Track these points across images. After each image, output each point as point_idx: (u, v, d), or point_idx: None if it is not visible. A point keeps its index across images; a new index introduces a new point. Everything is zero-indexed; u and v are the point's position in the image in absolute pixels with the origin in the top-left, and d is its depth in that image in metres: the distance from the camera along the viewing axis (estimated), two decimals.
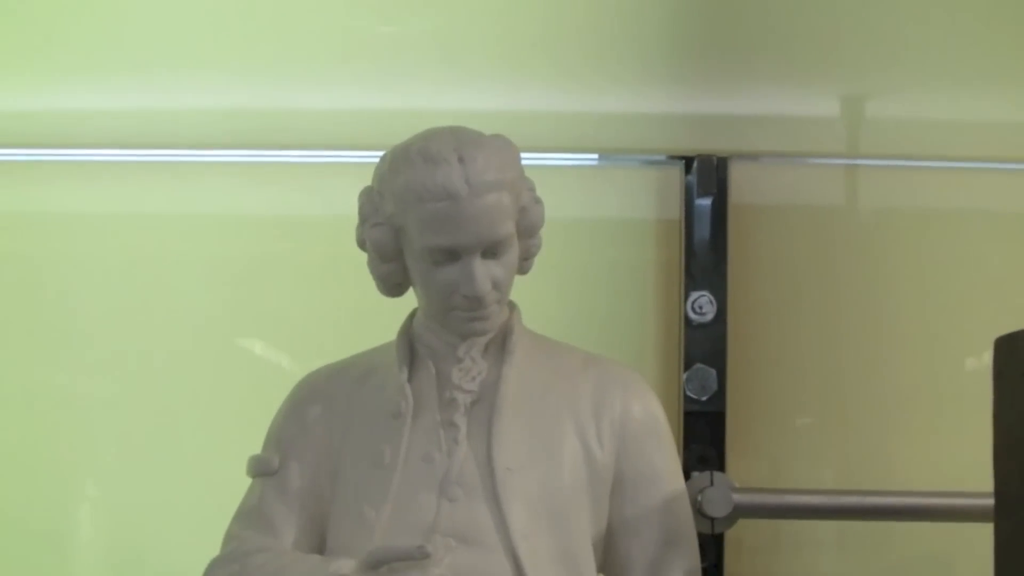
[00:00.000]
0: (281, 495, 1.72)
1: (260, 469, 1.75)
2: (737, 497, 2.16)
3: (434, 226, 1.60)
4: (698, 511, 2.03)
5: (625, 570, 1.72)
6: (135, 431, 2.49)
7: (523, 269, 1.74)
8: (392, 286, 1.73)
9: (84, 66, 2.54)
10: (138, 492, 2.49)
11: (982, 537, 1.73)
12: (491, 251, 1.63)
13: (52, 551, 2.51)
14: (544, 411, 1.69)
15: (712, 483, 2.17)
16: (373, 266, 1.71)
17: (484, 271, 1.63)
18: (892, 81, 2.51)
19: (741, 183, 2.45)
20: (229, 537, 1.74)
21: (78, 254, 2.56)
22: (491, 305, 1.67)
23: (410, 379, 1.70)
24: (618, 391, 1.74)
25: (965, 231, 2.46)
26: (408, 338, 1.75)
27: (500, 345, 1.72)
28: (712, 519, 2.17)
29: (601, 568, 1.74)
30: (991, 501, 1.53)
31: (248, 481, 1.78)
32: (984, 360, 2.21)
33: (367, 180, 1.71)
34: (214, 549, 2.23)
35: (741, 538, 2.34)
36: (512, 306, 1.76)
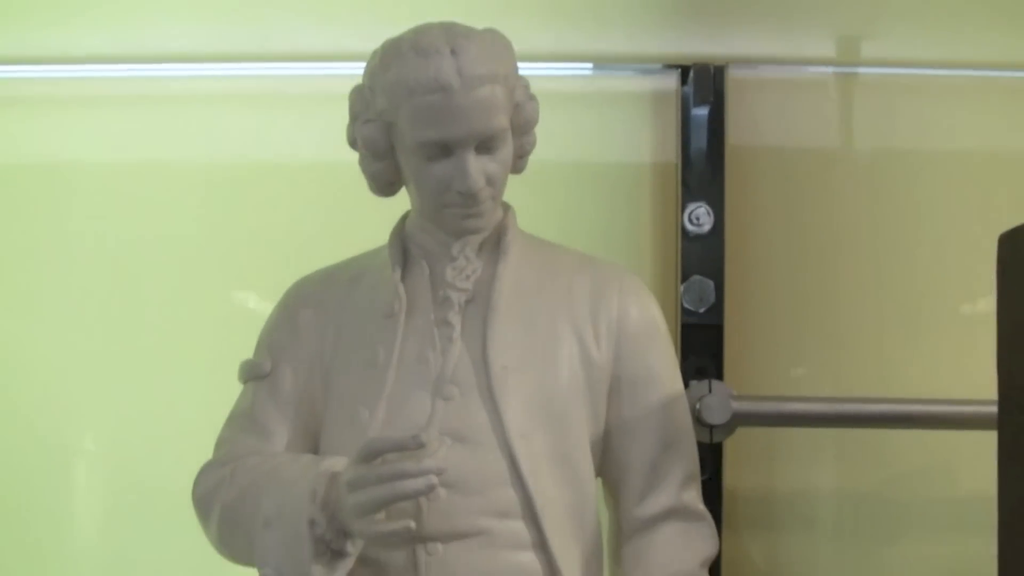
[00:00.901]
0: (273, 399, 1.70)
1: (251, 373, 1.73)
2: (736, 405, 2.14)
3: (426, 120, 1.57)
4: (697, 420, 2.01)
5: (623, 472, 1.70)
6: (132, 386, 2.48)
7: (517, 168, 1.71)
8: (384, 185, 1.70)
9: None
10: (136, 446, 2.48)
11: (984, 447, 1.72)
12: (485, 146, 1.60)
13: (51, 506, 2.50)
14: (540, 311, 1.67)
15: (711, 391, 2.14)
16: (365, 164, 1.68)
17: (478, 166, 1.60)
18: None
19: (738, 92, 2.41)
20: (221, 442, 1.72)
21: (71, 202, 2.53)
22: (485, 202, 1.64)
23: (403, 279, 1.68)
24: (615, 292, 1.71)
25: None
26: (401, 239, 1.72)
27: (495, 244, 1.69)
28: (711, 428, 2.15)
29: (599, 471, 1.72)
30: (994, 408, 1.51)
31: None
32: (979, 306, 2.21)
33: None
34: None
35: (740, 449, 2.32)
36: (507, 207, 1.74)
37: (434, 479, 1.42)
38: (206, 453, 2.26)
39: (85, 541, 2.51)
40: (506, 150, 1.63)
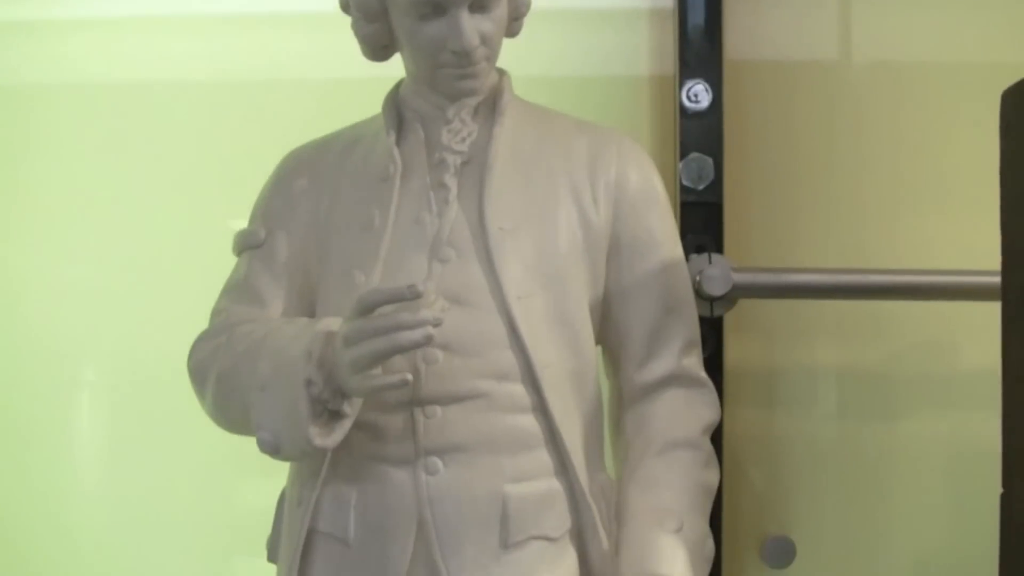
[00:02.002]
0: (268, 267, 1.68)
1: (246, 242, 1.71)
2: (736, 276, 2.12)
3: None
4: (697, 293, 1.99)
5: (623, 338, 1.69)
6: (130, 315, 2.46)
7: (512, 31, 1.68)
8: (377, 49, 1.67)
9: None
10: (136, 376, 2.47)
11: (987, 320, 1.71)
12: (479, 4, 1.57)
13: (54, 439, 2.50)
14: (537, 173, 1.64)
15: (711, 263, 2.12)
16: (357, 28, 1.65)
17: (472, 25, 1.57)
18: None
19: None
20: (216, 312, 1.70)
21: (68, 127, 2.50)
22: (480, 62, 1.61)
23: (398, 144, 1.65)
24: (613, 155, 1.68)
25: None
26: (395, 104, 1.70)
27: (490, 108, 1.67)
28: (711, 301, 2.13)
29: (599, 339, 1.70)
30: (997, 279, 1.49)
31: None
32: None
33: None
34: (216, 435, 2.22)
35: (740, 326, 2.31)
36: (502, 72, 1.71)
37: (431, 330, 1.40)
38: None
39: (88, 473, 2.51)
40: (500, 9, 1.60)
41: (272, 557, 1.72)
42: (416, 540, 1.54)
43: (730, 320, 2.24)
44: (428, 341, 1.41)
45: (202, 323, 2.22)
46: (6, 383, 2.48)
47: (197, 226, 2.42)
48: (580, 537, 1.61)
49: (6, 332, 2.49)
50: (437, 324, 1.41)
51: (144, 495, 2.47)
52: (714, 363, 2.08)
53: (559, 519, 1.58)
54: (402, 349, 1.41)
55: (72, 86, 2.49)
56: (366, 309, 1.43)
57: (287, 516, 1.66)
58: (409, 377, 1.41)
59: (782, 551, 2.31)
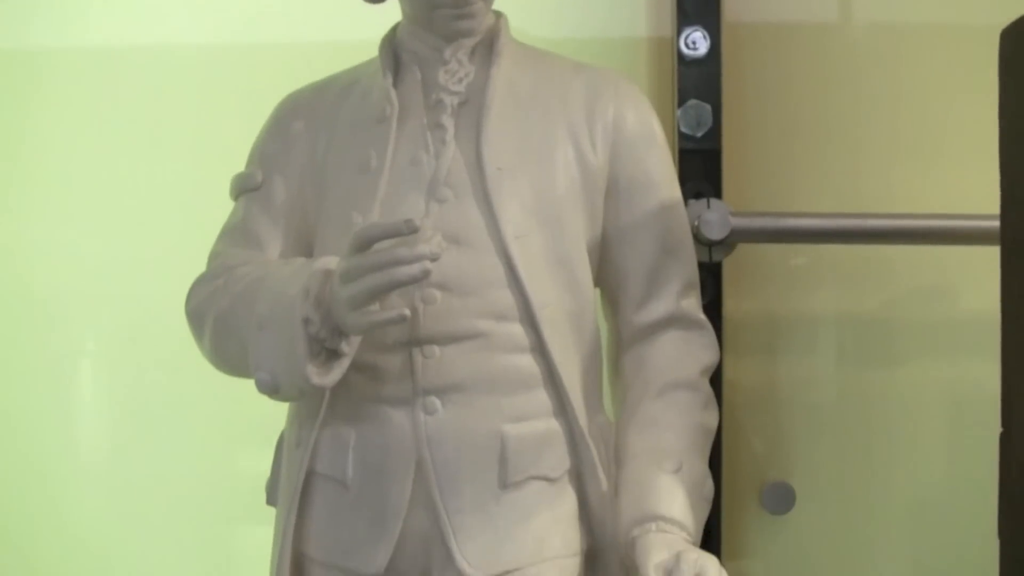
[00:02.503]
0: (265, 209, 1.68)
1: (243, 186, 1.71)
2: (735, 221, 2.11)
3: None
4: (696, 238, 1.98)
5: (621, 280, 1.68)
6: (132, 284, 2.46)
7: None
8: None
9: None
10: (138, 346, 2.47)
11: (987, 265, 1.70)
12: None
13: (54, 408, 2.50)
14: (534, 114, 1.64)
15: (709, 207, 2.11)
16: None
17: None
18: None
19: None
20: (213, 255, 1.70)
21: (70, 96, 2.48)
22: (476, 2, 1.62)
23: (395, 85, 1.64)
24: (611, 96, 1.68)
25: None
26: (392, 47, 1.69)
27: (487, 49, 1.66)
28: (710, 246, 2.12)
29: (598, 282, 1.70)
30: (997, 223, 1.49)
31: None
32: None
33: None
34: (216, 403, 2.22)
35: (739, 273, 2.30)
36: (499, 14, 1.71)
37: (429, 265, 1.40)
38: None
39: (88, 443, 2.51)
40: None
41: (271, 501, 1.72)
42: (415, 480, 1.54)
43: (729, 267, 2.23)
44: (426, 276, 1.40)
45: None
46: (7, 353, 2.48)
47: (200, 195, 2.38)
48: (579, 478, 1.61)
49: (7, 302, 2.48)
50: (435, 259, 1.40)
51: (145, 464, 2.47)
52: (713, 310, 2.08)
53: (558, 459, 1.58)
54: (400, 284, 1.40)
55: (73, 50, 2.48)
56: (363, 245, 1.42)
57: (285, 458, 1.66)
58: (407, 312, 1.41)
59: (782, 497, 2.32)
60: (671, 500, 1.56)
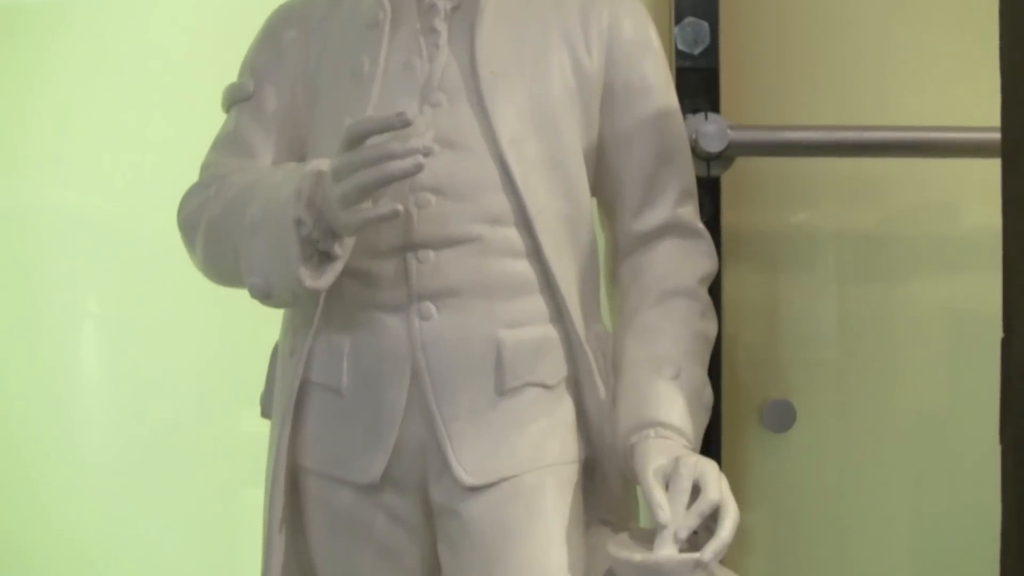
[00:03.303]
0: (257, 119, 1.66)
1: (235, 96, 1.69)
2: (733, 134, 2.09)
3: None
4: (694, 153, 1.95)
5: (618, 187, 1.67)
6: (134, 246, 2.45)
7: None
8: None
9: None
10: (139, 308, 2.46)
11: (986, 181, 1.68)
12: None
13: (56, 370, 2.50)
14: (528, 20, 1.61)
15: (707, 120, 2.09)
16: None
17: None
18: None
19: None
20: (205, 166, 1.68)
21: (66, 60, 2.47)
22: None
23: None
24: (606, 2, 1.66)
25: None
26: None
27: None
28: (708, 160, 2.10)
29: (595, 191, 1.68)
30: (998, 135, 1.46)
31: None
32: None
33: None
34: (219, 365, 2.20)
35: (738, 189, 2.28)
36: None
37: (421, 159, 1.37)
38: (211, 313, 2.26)
39: (90, 404, 2.52)
40: None
41: (265, 413, 1.71)
42: (410, 387, 1.53)
43: (727, 183, 2.21)
44: (419, 170, 1.38)
45: None
46: (10, 315, 2.48)
47: (202, 153, 2.39)
48: (577, 386, 1.59)
49: (9, 264, 2.47)
50: (427, 153, 1.38)
51: (148, 425, 2.48)
52: (712, 227, 2.05)
53: (555, 366, 1.57)
54: (392, 179, 1.38)
55: (73, 5, 2.46)
56: (355, 140, 1.40)
57: (280, 368, 1.65)
58: (400, 208, 1.39)
59: (782, 415, 2.31)
60: (670, 406, 1.54)
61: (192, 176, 2.17)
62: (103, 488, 2.50)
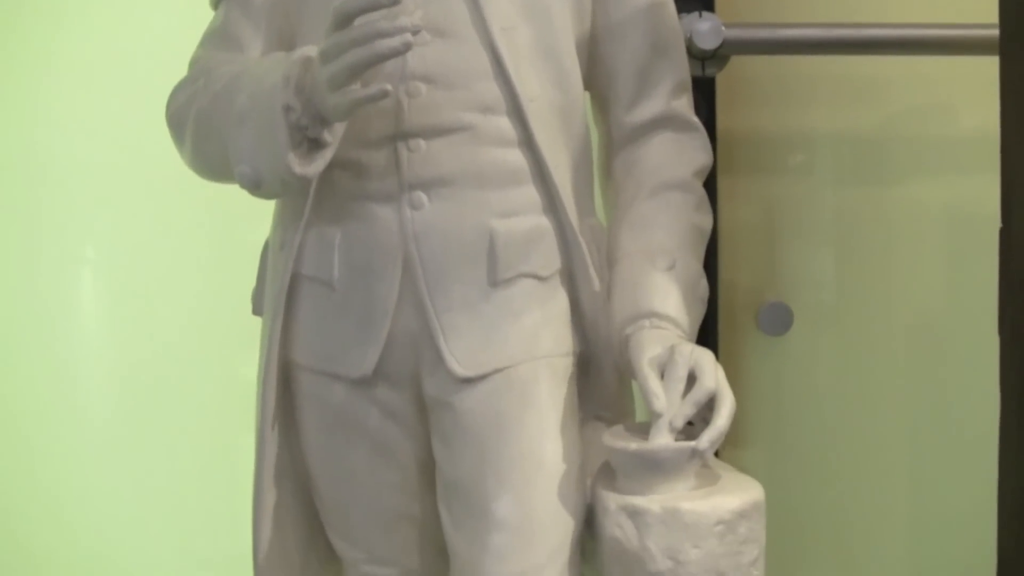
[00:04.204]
0: (245, 12, 1.63)
1: None
2: (728, 32, 2.05)
3: None
4: (688, 52, 1.92)
5: (612, 79, 1.64)
6: (131, 192, 2.43)
7: None
8: None
9: None
10: (136, 254, 2.45)
11: (984, 82, 1.66)
12: None
13: (55, 315, 2.48)
14: None
15: (701, 17, 2.06)
16: None
17: None
18: None
19: None
20: (194, 60, 1.65)
21: (68, 10, 2.44)
22: None
23: None
24: None
25: None
26: None
27: None
28: (703, 59, 2.07)
29: (588, 84, 1.66)
30: (994, 31, 1.44)
31: None
32: None
33: None
34: (218, 310, 2.18)
35: (734, 91, 2.26)
36: None
37: (410, 37, 1.34)
38: (208, 258, 2.24)
39: (89, 349, 2.50)
40: None
41: (257, 310, 1.69)
42: (402, 279, 1.51)
43: (722, 84, 2.18)
44: (407, 48, 1.35)
45: (202, 201, 2.21)
46: (7, 261, 2.46)
47: None
48: (571, 278, 1.58)
49: (6, 210, 2.46)
50: (416, 32, 1.35)
51: (146, 372, 2.47)
52: (707, 129, 2.01)
53: (548, 257, 1.55)
54: (382, 58, 1.35)
55: None
56: (343, 20, 1.37)
57: (270, 263, 1.63)
58: (388, 88, 1.35)
59: (779, 318, 2.29)
60: (665, 297, 1.53)
61: None
62: (101, 434, 2.50)
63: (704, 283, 1.61)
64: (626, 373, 1.56)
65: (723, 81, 2.18)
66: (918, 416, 2.34)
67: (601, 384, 1.62)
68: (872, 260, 2.32)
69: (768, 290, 2.32)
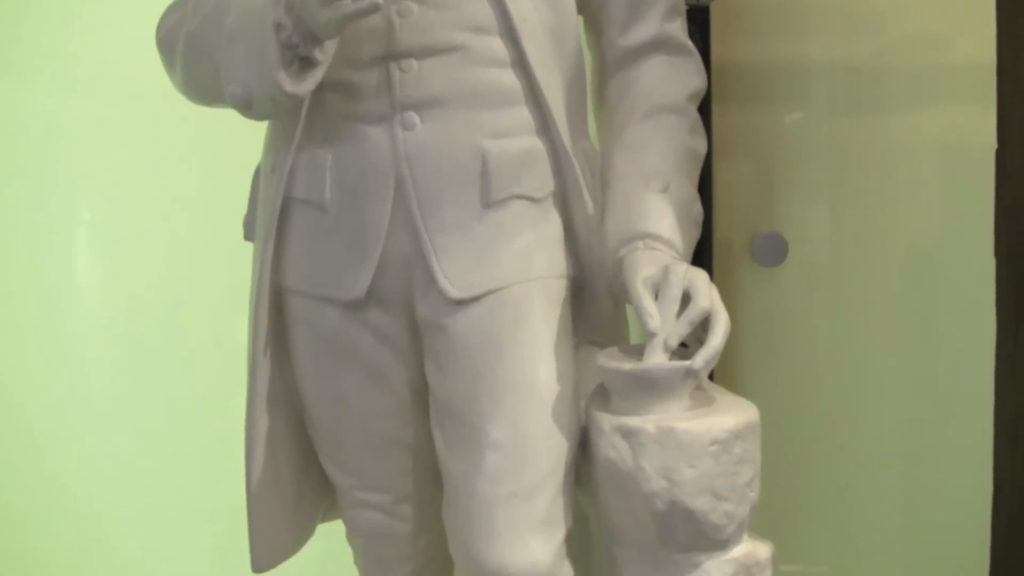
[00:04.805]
0: None
1: None
2: None
3: None
4: None
5: (604, 1, 1.63)
6: (126, 153, 2.43)
7: None
8: None
9: None
10: (131, 215, 2.45)
11: (980, 12, 1.64)
12: None
13: (52, 276, 2.49)
14: None
15: None
16: None
17: None
18: None
19: None
20: None
21: None
22: None
23: None
24: None
25: None
26: None
27: None
28: None
29: (581, 7, 1.64)
30: None
31: None
32: None
33: None
34: (214, 269, 2.16)
35: (728, 22, 2.24)
36: None
37: None
38: (202, 216, 2.22)
39: (87, 309, 2.51)
40: None
41: (248, 236, 1.68)
42: (394, 200, 1.50)
43: (717, 15, 2.16)
44: None
45: (199, 160, 2.24)
46: (3, 222, 2.46)
47: None
48: (564, 201, 1.57)
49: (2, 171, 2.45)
50: None
51: (142, 332, 2.48)
52: (701, 58, 2.01)
53: (541, 179, 1.54)
54: None
55: None
56: None
57: (262, 186, 1.62)
58: (379, 1, 1.34)
59: (773, 248, 2.28)
60: (659, 218, 1.52)
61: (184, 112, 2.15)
62: (98, 391, 2.51)
63: (698, 206, 1.60)
64: (620, 297, 1.55)
65: (717, 10, 2.16)
66: (912, 344, 2.33)
67: (595, 310, 1.61)
68: (866, 190, 2.31)
69: (762, 220, 2.31)
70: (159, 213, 2.42)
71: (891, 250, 2.31)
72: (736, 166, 2.28)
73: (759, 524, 1.47)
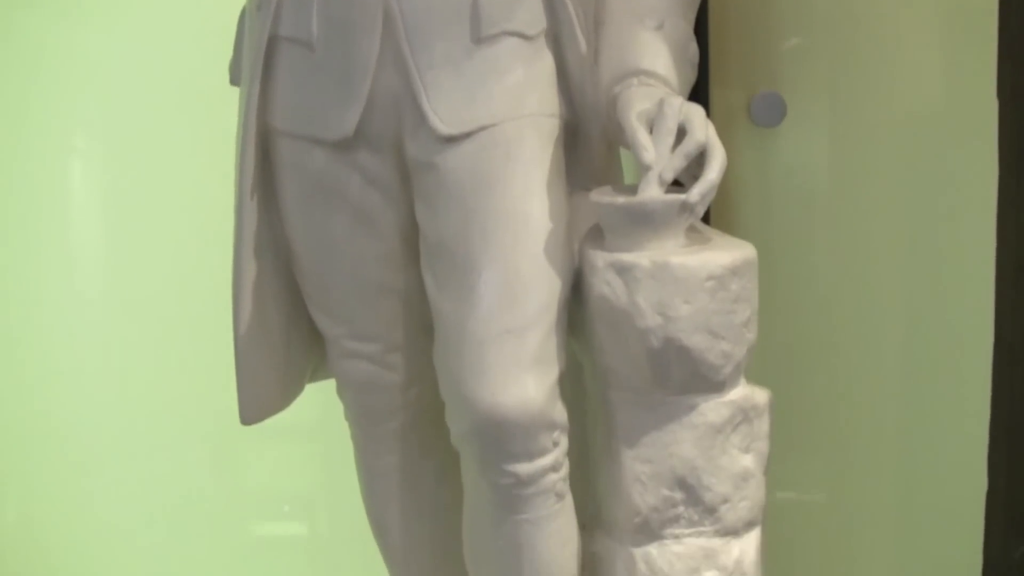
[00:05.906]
0: None
1: None
2: None
3: None
4: None
5: None
6: (122, 82, 2.39)
7: None
8: None
9: None
10: (126, 144, 2.42)
11: None
12: None
13: (49, 203, 2.46)
14: None
15: None
16: None
17: None
18: None
19: None
20: None
21: None
22: None
23: None
24: None
25: None
26: None
27: None
28: None
29: None
30: None
31: None
32: None
33: None
34: (209, 205, 2.12)
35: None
36: None
37: None
38: (202, 146, 2.22)
39: (85, 241, 2.48)
40: None
41: (234, 80, 1.65)
42: (383, 35, 1.46)
43: None
44: None
45: (198, 91, 2.23)
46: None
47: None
48: (557, 40, 1.53)
49: None
50: None
51: (137, 272, 2.46)
52: None
53: (533, 16, 1.50)
54: None
55: None
56: None
57: (248, 24, 1.58)
58: None
59: (772, 108, 2.24)
60: (654, 55, 1.49)
61: (191, 25, 2.22)
62: (97, 325, 2.49)
63: (694, 47, 1.57)
64: (615, 139, 1.52)
65: None
66: (911, 204, 2.30)
67: (589, 154, 1.59)
68: (866, 48, 2.26)
69: (761, 79, 2.26)
70: (155, 144, 2.41)
71: (892, 107, 2.27)
72: (732, 22, 2.23)
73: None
